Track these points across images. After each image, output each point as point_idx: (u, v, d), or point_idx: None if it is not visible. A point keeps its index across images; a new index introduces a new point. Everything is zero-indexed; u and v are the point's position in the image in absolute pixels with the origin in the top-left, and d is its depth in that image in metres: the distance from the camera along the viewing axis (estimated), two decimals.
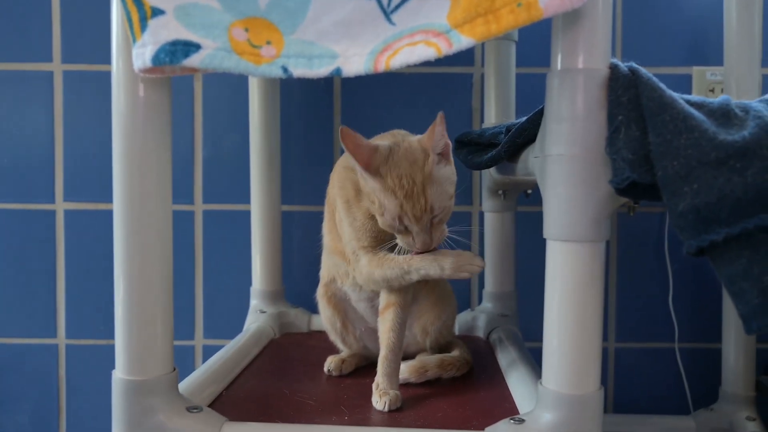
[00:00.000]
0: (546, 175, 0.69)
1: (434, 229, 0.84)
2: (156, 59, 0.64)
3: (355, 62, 0.66)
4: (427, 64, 0.67)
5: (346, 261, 0.95)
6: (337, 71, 0.66)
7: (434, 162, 0.83)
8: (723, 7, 1.23)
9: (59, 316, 1.45)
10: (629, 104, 0.64)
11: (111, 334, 1.43)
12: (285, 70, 0.67)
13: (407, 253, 0.87)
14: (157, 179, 0.73)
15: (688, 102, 0.65)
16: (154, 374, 0.74)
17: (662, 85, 0.65)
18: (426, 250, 0.84)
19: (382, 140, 0.88)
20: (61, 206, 1.44)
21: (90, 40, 1.42)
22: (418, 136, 0.88)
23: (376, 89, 1.44)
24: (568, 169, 0.66)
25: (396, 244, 0.88)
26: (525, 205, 1.40)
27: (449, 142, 0.86)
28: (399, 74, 1.43)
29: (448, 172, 0.86)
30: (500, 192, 1.29)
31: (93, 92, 1.43)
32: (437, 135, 0.83)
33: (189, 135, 1.45)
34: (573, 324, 0.68)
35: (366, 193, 0.86)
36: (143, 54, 0.65)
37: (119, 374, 0.74)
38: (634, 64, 0.67)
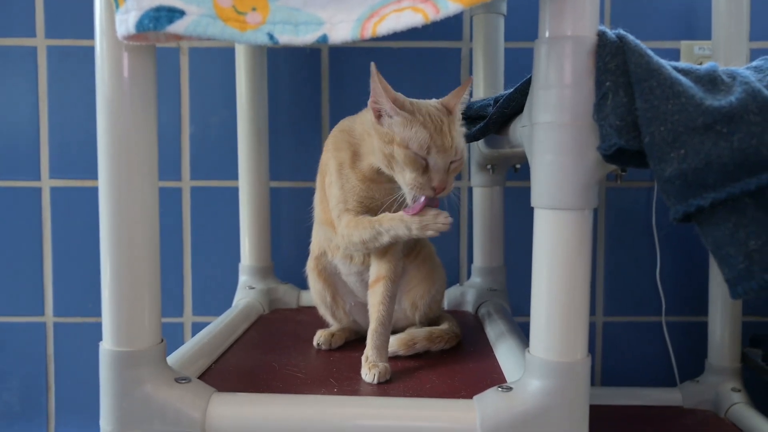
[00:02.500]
0: (534, 144, 0.69)
1: (449, 174, 0.84)
2: (140, 25, 0.63)
3: (341, 29, 0.66)
4: (415, 38, 0.66)
5: (335, 231, 0.95)
6: (324, 38, 0.66)
7: (457, 117, 0.86)
8: None
9: (46, 294, 1.45)
10: (617, 71, 0.64)
11: (98, 312, 1.42)
12: (271, 37, 0.66)
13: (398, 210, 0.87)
14: (143, 154, 0.72)
15: (675, 68, 0.65)
16: (142, 345, 0.74)
17: (650, 52, 0.64)
18: (441, 191, 0.83)
19: None
20: (47, 183, 1.43)
21: (74, 14, 1.41)
22: (436, 99, 0.90)
23: (364, 64, 1.43)
24: (555, 137, 0.66)
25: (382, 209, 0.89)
26: (514, 180, 1.40)
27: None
28: (387, 48, 1.42)
29: (463, 132, 0.88)
30: (489, 167, 1.29)
31: (77, 68, 1.42)
32: (464, 96, 0.87)
33: (176, 110, 1.43)
34: (560, 291, 0.68)
35: (381, 135, 0.85)
36: (126, 20, 0.64)
37: (107, 345, 0.74)
38: (622, 31, 0.66)
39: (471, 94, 1.34)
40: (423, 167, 0.83)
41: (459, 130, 0.86)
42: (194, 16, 0.64)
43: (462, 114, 1.05)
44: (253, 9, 0.66)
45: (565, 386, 0.70)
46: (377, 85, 0.83)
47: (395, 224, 0.84)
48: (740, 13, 1.20)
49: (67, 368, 1.46)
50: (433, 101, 0.89)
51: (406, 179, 0.83)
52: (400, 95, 0.86)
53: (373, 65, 0.81)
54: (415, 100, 0.87)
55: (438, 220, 0.82)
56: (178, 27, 0.64)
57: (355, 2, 0.66)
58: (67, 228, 1.44)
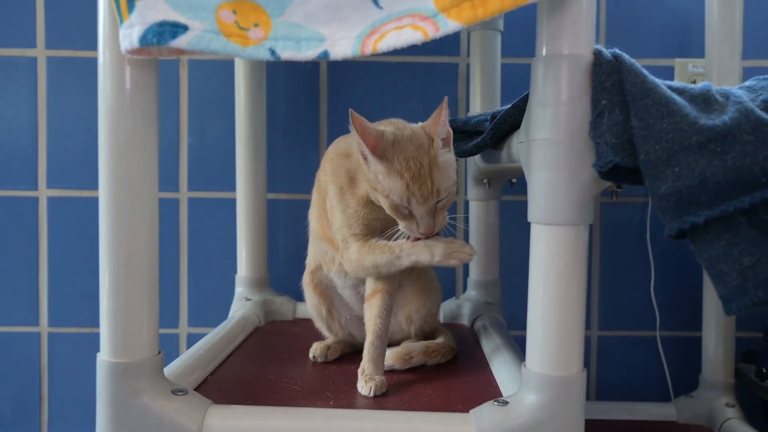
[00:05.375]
0: (530, 160, 0.70)
1: (437, 214, 0.84)
2: (143, 40, 0.64)
3: (342, 45, 0.67)
4: (413, 53, 0.67)
5: (334, 248, 0.95)
6: (325, 54, 0.67)
7: (439, 147, 0.84)
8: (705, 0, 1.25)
9: (41, 304, 1.45)
10: (613, 89, 0.65)
11: (94, 322, 1.44)
12: (272, 52, 0.67)
13: (403, 239, 0.87)
14: (144, 165, 0.73)
15: (670, 87, 0.66)
16: (140, 357, 0.74)
17: (645, 71, 0.65)
18: (429, 235, 0.83)
19: (381, 127, 0.87)
20: (44, 193, 1.43)
21: (74, 25, 1.41)
22: (421, 123, 0.87)
23: (362, 78, 1.44)
24: (552, 153, 0.67)
25: (387, 234, 0.88)
26: (509, 194, 1.41)
27: (450, 130, 0.87)
28: (385, 63, 1.43)
29: (451, 158, 0.86)
30: (485, 181, 1.30)
31: (77, 78, 1.42)
32: (441, 120, 0.84)
33: (175, 122, 1.44)
34: (556, 306, 0.69)
35: (368, 179, 0.85)
36: (130, 35, 0.65)
37: (104, 357, 0.74)
38: (618, 50, 0.68)
39: (468, 107, 1.36)
40: (408, 214, 0.83)
41: (442, 164, 0.84)
42: (197, 32, 0.65)
43: (459, 129, 1.06)
44: (256, 25, 0.67)
45: (561, 400, 0.70)
46: (355, 131, 0.81)
47: (418, 250, 0.84)
48: (733, 32, 1.22)
49: (61, 379, 1.46)
50: (419, 128, 0.86)
51: (398, 222, 0.85)
52: (383, 131, 0.83)
53: (351, 111, 0.80)
54: (399, 134, 0.84)
55: (464, 250, 0.82)
56: (181, 42, 0.65)
57: (356, 19, 0.67)
58: (63, 238, 1.44)
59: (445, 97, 0.85)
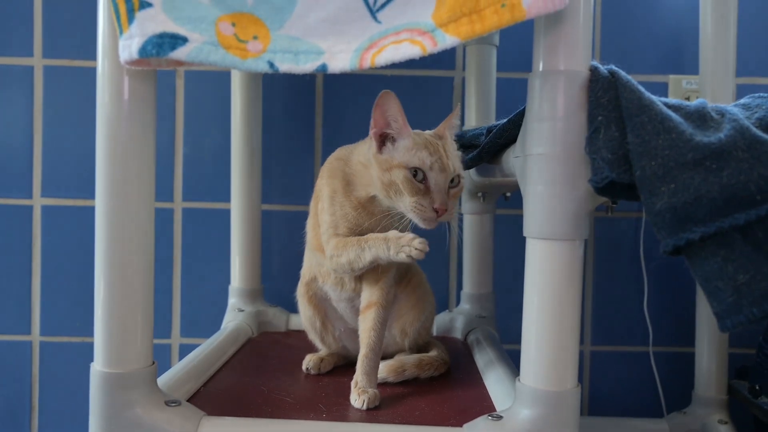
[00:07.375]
0: (526, 174, 0.70)
1: (449, 199, 0.86)
2: (143, 51, 0.64)
3: (340, 59, 0.67)
4: (408, 66, 0.68)
5: (323, 253, 0.96)
6: (323, 67, 0.67)
7: (449, 139, 0.91)
8: (699, 17, 1.26)
9: (34, 313, 1.44)
10: (609, 105, 0.65)
11: (86, 332, 1.43)
12: (271, 65, 0.67)
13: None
14: (141, 175, 0.73)
15: (665, 104, 0.66)
16: (133, 367, 0.74)
17: (641, 88, 0.66)
18: (442, 212, 0.84)
19: None
20: (38, 202, 1.42)
21: (71, 35, 1.41)
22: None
23: (357, 90, 1.44)
24: (548, 168, 0.68)
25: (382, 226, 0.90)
26: (504, 208, 1.41)
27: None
28: (381, 76, 1.44)
29: (459, 153, 0.92)
30: (480, 194, 1.30)
31: (73, 88, 1.42)
32: (452, 122, 0.91)
33: (170, 132, 1.44)
34: (551, 320, 0.69)
35: (380, 162, 0.87)
36: (130, 46, 0.65)
37: (98, 367, 0.74)
38: (614, 67, 0.68)
39: (463, 121, 1.36)
40: (423, 190, 0.84)
41: (454, 153, 0.89)
42: (197, 44, 0.65)
43: (455, 142, 1.07)
44: (255, 37, 0.67)
45: (555, 415, 0.70)
46: (397, 108, 0.85)
47: (378, 242, 0.86)
48: (727, 48, 1.23)
49: (52, 388, 1.45)
50: (426, 131, 0.91)
51: (407, 204, 0.85)
52: None
53: (391, 92, 0.84)
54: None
55: (413, 244, 0.82)
56: (180, 54, 0.65)
57: (354, 33, 0.67)
58: (57, 246, 1.43)
59: (458, 104, 0.88)
